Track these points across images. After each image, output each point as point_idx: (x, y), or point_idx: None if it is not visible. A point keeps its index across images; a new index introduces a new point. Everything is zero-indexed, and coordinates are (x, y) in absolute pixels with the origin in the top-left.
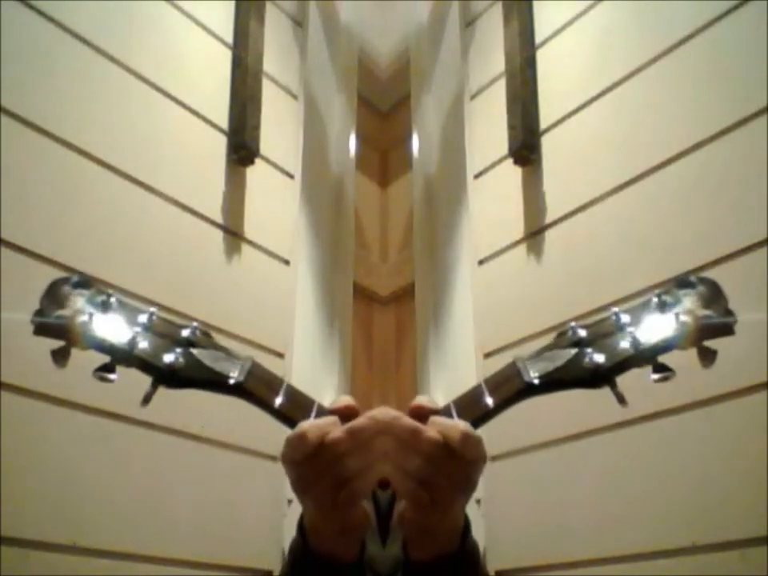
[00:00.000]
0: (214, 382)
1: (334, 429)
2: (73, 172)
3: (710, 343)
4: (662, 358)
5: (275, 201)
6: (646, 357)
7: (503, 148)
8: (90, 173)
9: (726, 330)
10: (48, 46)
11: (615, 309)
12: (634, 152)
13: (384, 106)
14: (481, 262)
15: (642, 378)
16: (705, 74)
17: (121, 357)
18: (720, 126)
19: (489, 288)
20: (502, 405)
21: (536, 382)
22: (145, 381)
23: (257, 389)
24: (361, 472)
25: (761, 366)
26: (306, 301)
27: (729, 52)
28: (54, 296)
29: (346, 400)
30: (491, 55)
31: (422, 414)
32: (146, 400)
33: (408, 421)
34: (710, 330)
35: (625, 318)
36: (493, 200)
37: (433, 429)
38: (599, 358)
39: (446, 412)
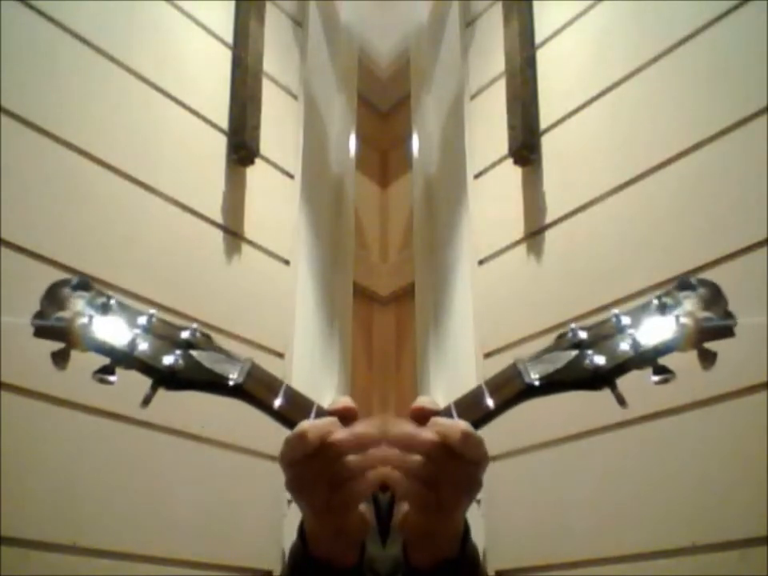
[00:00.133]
0: (214, 384)
1: (335, 429)
2: (73, 172)
3: (710, 345)
4: (663, 360)
5: (275, 201)
6: (647, 359)
7: (503, 148)
8: (90, 173)
9: (726, 332)
10: (48, 46)
11: (616, 311)
12: (633, 152)
13: (384, 106)
14: (481, 262)
15: (641, 378)
16: (705, 74)
17: (120, 359)
18: (720, 126)
19: (489, 288)
20: (503, 406)
21: (537, 383)
22: (145, 381)
23: (256, 390)
24: (359, 475)
25: (761, 366)
26: (305, 301)
27: (729, 52)
28: (53, 298)
29: (345, 401)
30: (491, 55)
31: (423, 416)
32: (146, 402)
33: (406, 424)
34: (710, 332)
35: (625, 320)
36: (493, 200)
37: (432, 429)
38: (599, 359)
39: (446, 413)
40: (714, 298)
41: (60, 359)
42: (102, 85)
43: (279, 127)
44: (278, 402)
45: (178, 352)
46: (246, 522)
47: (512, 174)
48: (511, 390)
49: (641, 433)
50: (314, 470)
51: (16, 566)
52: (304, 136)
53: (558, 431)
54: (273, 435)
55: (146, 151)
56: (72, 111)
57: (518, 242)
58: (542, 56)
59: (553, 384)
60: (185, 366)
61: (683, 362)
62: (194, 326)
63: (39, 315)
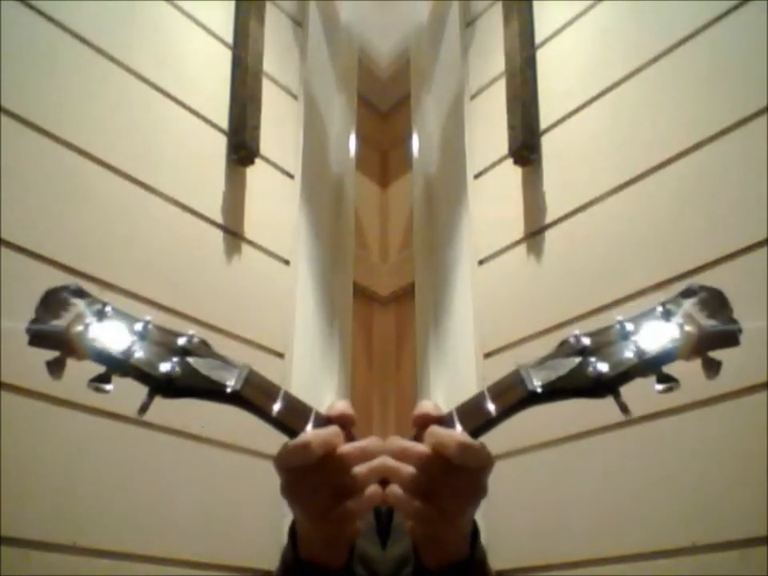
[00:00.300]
0: (211, 391)
1: (339, 441)
2: (73, 172)
3: (714, 353)
4: (666, 368)
5: (275, 201)
6: (650, 367)
7: (503, 148)
8: (90, 173)
9: (731, 340)
10: (48, 46)
11: (620, 317)
12: (633, 152)
13: (384, 106)
14: (481, 262)
15: (641, 379)
16: (705, 74)
17: (116, 367)
18: (720, 126)
19: (489, 288)
20: (505, 413)
21: (539, 390)
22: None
23: (254, 397)
24: (361, 491)
25: (761, 366)
26: (305, 301)
27: (729, 52)
28: (48, 306)
29: (343, 406)
30: (491, 55)
31: (425, 423)
32: (143, 410)
33: (399, 440)
34: (715, 341)
35: (629, 327)
36: (493, 200)
37: (428, 441)
38: (603, 367)
39: (448, 419)
40: (719, 305)
41: (55, 368)
42: (102, 85)
43: (279, 127)
44: (276, 408)
45: (174, 359)
46: (246, 522)
47: (512, 173)
48: (514, 396)
49: (641, 433)
50: (314, 479)
51: (16, 566)
52: (304, 136)
53: (558, 431)
54: (273, 435)
55: (146, 151)
56: (72, 111)
57: (518, 242)
58: (541, 56)
59: (555, 391)
60: (181, 374)
61: (683, 362)
62: (191, 332)
63: (34, 323)
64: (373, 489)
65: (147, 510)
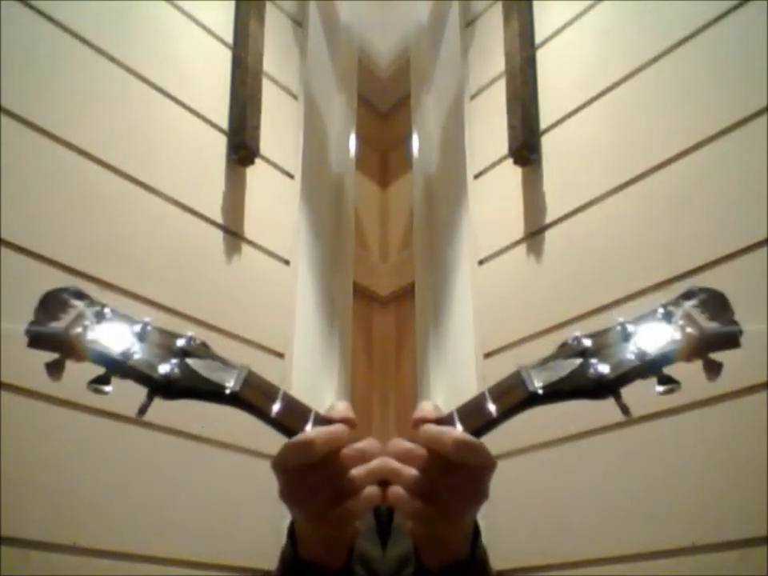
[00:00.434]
0: (210, 393)
1: (342, 440)
2: (73, 172)
3: (715, 355)
4: (667, 370)
5: (275, 201)
6: (651, 368)
7: (503, 148)
8: (90, 173)
9: (732, 342)
10: (48, 46)
11: (620, 319)
12: (633, 152)
13: (384, 106)
14: (481, 262)
15: (641, 379)
16: (705, 74)
17: (115, 368)
18: (720, 126)
19: (489, 288)
20: (506, 414)
21: (540, 391)
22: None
23: (253, 398)
24: (359, 492)
25: (761, 366)
26: (306, 301)
27: (729, 52)
28: (47, 308)
29: (344, 409)
30: (491, 55)
31: (425, 422)
32: (142, 411)
33: (401, 441)
34: (716, 342)
35: (630, 329)
36: (493, 200)
37: (423, 439)
38: (604, 368)
39: (449, 420)
40: (720, 307)
41: (54, 370)
42: (102, 85)
43: (279, 127)
44: (275, 409)
45: (173, 361)
46: (246, 522)
47: (512, 174)
48: (514, 397)
49: (641, 433)
50: (313, 479)
51: (16, 566)
52: (304, 136)
53: (558, 431)
54: (273, 435)
55: (146, 151)
56: (72, 111)
57: (518, 242)
58: (541, 56)
59: (556, 392)
60: (181, 375)
61: (683, 362)
62: (190, 333)
63: (33, 325)
64: (372, 489)
65: (147, 510)
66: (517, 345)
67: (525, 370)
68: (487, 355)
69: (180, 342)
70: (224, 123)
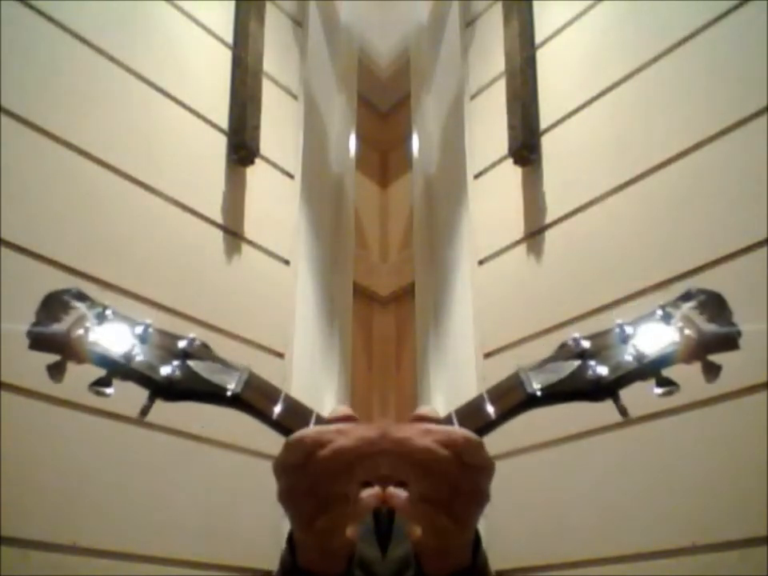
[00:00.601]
0: (212, 395)
1: (336, 437)
2: (73, 172)
3: (714, 357)
4: (666, 372)
5: (275, 201)
6: (650, 370)
7: (503, 148)
8: (90, 173)
9: (731, 344)
10: (48, 45)
11: (619, 321)
12: (633, 152)
13: (384, 106)
14: (481, 262)
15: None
16: (704, 75)
17: (117, 370)
18: (720, 126)
19: (489, 288)
20: (504, 415)
21: (539, 393)
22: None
23: (254, 400)
24: (347, 500)
25: (761, 366)
26: (306, 301)
27: (729, 52)
28: (49, 309)
29: (345, 410)
30: (491, 55)
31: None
32: (144, 413)
33: (407, 428)
34: (715, 344)
35: (629, 331)
36: (493, 200)
37: (431, 438)
38: (602, 370)
39: (447, 421)
40: (719, 309)
41: (56, 372)
42: (102, 85)
43: (279, 127)
44: (276, 411)
45: (175, 362)
46: (246, 522)
47: (512, 174)
48: (513, 399)
49: (641, 433)
50: (308, 479)
51: (16, 566)
52: (304, 136)
53: (558, 431)
54: (273, 435)
55: (146, 151)
56: (72, 111)
57: (518, 242)
58: (541, 56)
59: (555, 394)
60: (182, 377)
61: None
62: (191, 335)
63: (35, 327)
64: (368, 496)
65: (147, 510)
66: (517, 345)
67: (523, 372)
68: (487, 355)
69: (181, 344)
70: (224, 123)
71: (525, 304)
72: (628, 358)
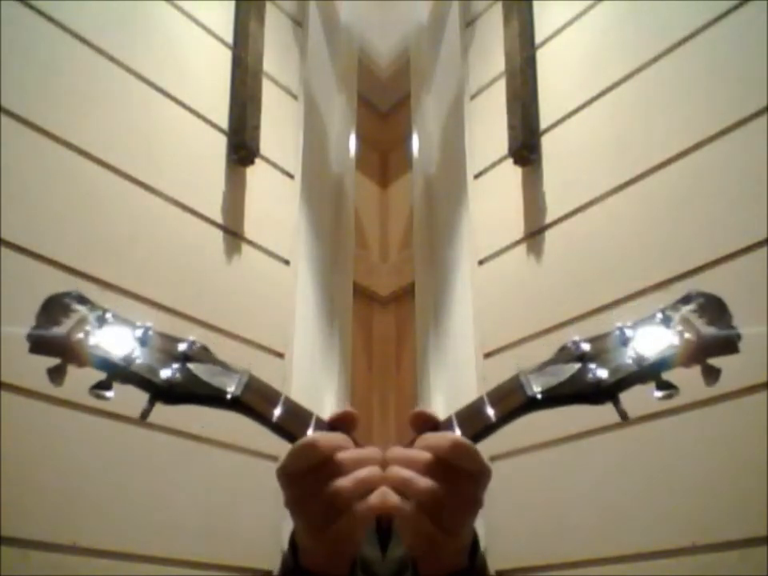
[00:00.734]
0: (212, 398)
1: (344, 444)
2: (73, 172)
3: (714, 360)
4: (666, 375)
5: (275, 201)
6: (650, 373)
7: (503, 148)
8: (90, 173)
9: (731, 347)
10: (48, 45)
11: (619, 324)
12: (633, 152)
13: (384, 106)
14: (481, 262)
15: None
16: (704, 75)
17: (117, 373)
18: (720, 126)
19: (489, 288)
20: (504, 418)
21: (539, 396)
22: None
23: (254, 402)
24: (358, 506)
25: (761, 366)
26: (306, 301)
27: (729, 52)
28: (49, 313)
29: (346, 411)
30: (491, 55)
31: (422, 422)
32: (144, 416)
33: (400, 448)
34: (714, 348)
35: (628, 334)
36: (493, 200)
37: (422, 445)
38: (602, 373)
39: (447, 424)
40: (719, 312)
41: (56, 375)
42: (102, 85)
43: (279, 127)
44: (276, 414)
45: (175, 365)
46: (246, 522)
47: (512, 174)
48: (513, 402)
49: (641, 433)
50: (315, 484)
51: (16, 566)
52: (304, 136)
53: (558, 431)
54: (273, 436)
55: (146, 151)
56: (72, 111)
57: (518, 242)
58: (541, 56)
59: (555, 397)
60: (182, 380)
61: (681, 367)
62: (191, 338)
63: (35, 331)
64: (368, 506)
65: (147, 510)
66: (517, 345)
67: (524, 375)
68: (487, 355)
69: (181, 347)
70: (224, 123)
71: (525, 304)
72: (628, 361)
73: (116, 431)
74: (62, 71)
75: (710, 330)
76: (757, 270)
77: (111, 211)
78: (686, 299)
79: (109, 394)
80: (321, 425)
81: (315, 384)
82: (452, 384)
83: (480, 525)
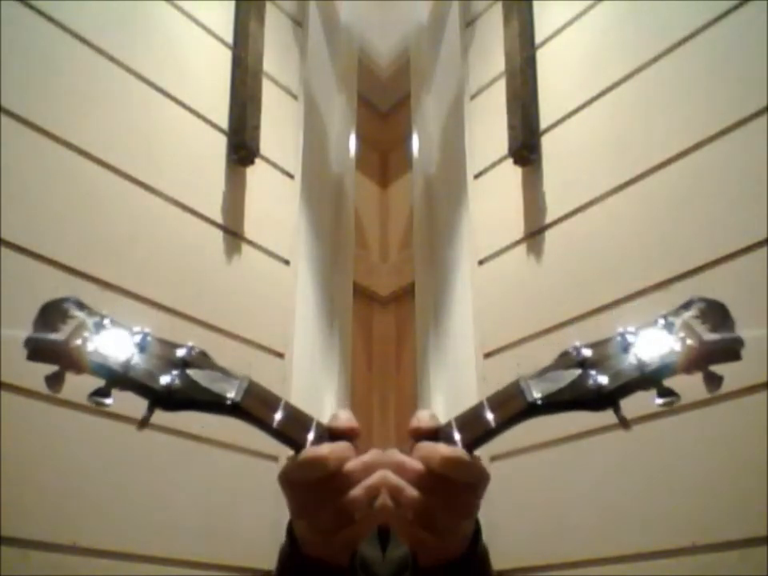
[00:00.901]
0: (211, 403)
1: (351, 456)
2: (73, 172)
3: (716, 367)
4: (667, 382)
5: (275, 201)
6: (651, 380)
7: (503, 148)
8: (90, 173)
9: (733, 354)
10: (48, 45)
11: (620, 329)
12: (633, 152)
13: (384, 106)
14: (481, 262)
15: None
16: (704, 74)
17: (116, 380)
18: (720, 126)
19: (489, 288)
20: (504, 424)
21: (539, 402)
22: None
23: (254, 408)
24: (361, 519)
25: (761, 366)
26: (306, 301)
27: (729, 52)
28: (46, 319)
29: (347, 418)
30: (491, 55)
31: (419, 435)
32: (143, 423)
33: (397, 454)
34: (716, 354)
35: (630, 339)
36: (493, 200)
37: (415, 457)
38: (603, 379)
39: (447, 429)
40: (721, 318)
41: (54, 382)
42: (102, 85)
43: (279, 127)
44: (276, 419)
45: (174, 372)
46: (246, 522)
47: (512, 174)
48: (513, 408)
49: (641, 433)
50: (322, 494)
51: (16, 566)
52: (304, 136)
53: (558, 431)
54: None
55: (146, 151)
56: (72, 111)
57: (518, 242)
58: (541, 56)
59: (555, 403)
60: (181, 386)
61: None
62: (190, 343)
63: (33, 337)
64: (372, 514)
65: (147, 510)
66: (517, 345)
67: (524, 380)
68: (487, 355)
69: (180, 353)
70: (224, 123)
71: (525, 304)
72: (629, 367)
73: (116, 431)
74: (62, 71)
75: (712, 337)
76: (757, 270)
77: (111, 211)
78: (688, 305)
79: (108, 401)
80: (321, 430)
81: (315, 384)
82: (452, 384)
83: (480, 525)
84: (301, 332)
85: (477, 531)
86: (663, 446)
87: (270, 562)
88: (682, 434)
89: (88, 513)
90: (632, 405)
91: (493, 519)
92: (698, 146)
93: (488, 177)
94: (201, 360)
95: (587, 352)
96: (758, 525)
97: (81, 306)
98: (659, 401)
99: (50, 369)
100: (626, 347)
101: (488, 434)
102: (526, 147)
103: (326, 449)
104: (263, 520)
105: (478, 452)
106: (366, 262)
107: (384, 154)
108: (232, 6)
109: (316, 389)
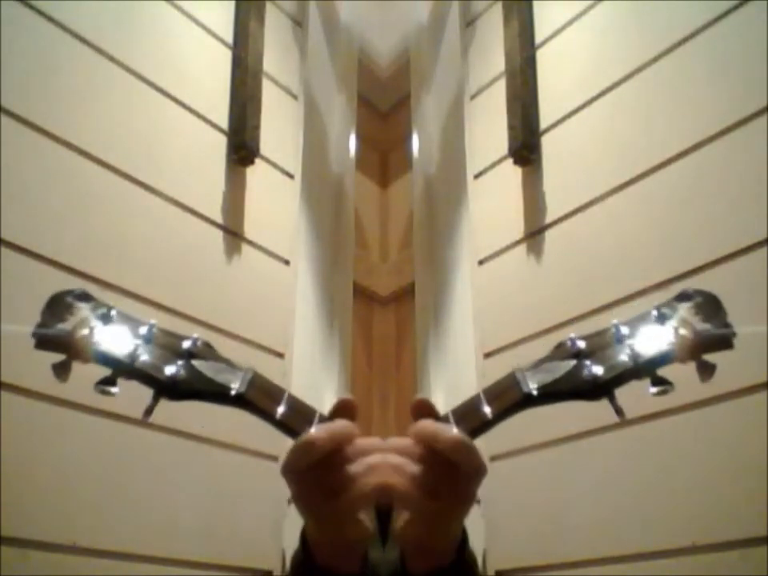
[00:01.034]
0: (216, 394)
1: (349, 434)
2: (73, 172)
3: (711, 356)
4: (661, 371)
5: (275, 201)
6: (645, 370)
7: (503, 148)
8: (90, 173)
9: (725, 343)
10: (48, 45)
11: (615, 321)
12: (633, 152)
13: (384, 106)
14: (481, 262)
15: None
16: (704, 74)
17: (122, 370)
18: (720, 126)
19: (489, 288)
20: (501, 415)
21: (535, 393)
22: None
23: (258, 399)
24: (358, 480)
25: (761, 366)
26: (306, 301)
27: (729, 52)
28: (54, 310)
29: (342, 396)
30: (491, 55)
31: (424, 410)
32: (148, 413)
33: (399, 439)
34: (709, 344)
35: (624, 330)
36: (493, 200)
37: (420, 433)
38: (598, 370)
39: (444, 421)
40: (714, 309)
41: (61, 371)
42: (102, 85)
43: (279, 127)
44: (279, 411)
45: (179, 362)
46: (246, 522)
47: (512, 174)
48: (509, 399)
49: (640, 433)
50: (320, 477)
51: (16, 566)
52: (304, 136)
53: (558, 431)
54: (273, 435)
55: (146, 151)
56: (72, 111)
57: (518, 242)
58: (541, 56)
59: (551, 394)
60: (186, 377)
61: (680, 363)
62: (195, 335)
63: (40, 327)
64: (365, 480)
65: (147, 510)
66: (517, 345)
67: (520, 372)
68: (487, 355)
69: (185, 344)
70: (224, 123)
71: (525, 304)
72: (623, 357)
73: (116, 431)
74: (62, 71)
75: (705, 327)
76: (757, 270)
77: (111, 211)
78: (681, 296)
79: (114, 389)
80: (324, 422)
81: (315, 384)
82: (452, 384)
83: (480, 525)
84: (301, 332)
85: (464, 540)
86: (663, 446)
87: (270, 562)
88: (681, 434)
89: (88, 513)
90: (632, 405)
91: (493, 519)
92: (697, 146)
93: (488, 177)
94: (206, 351)
95: (582, 343)
96: (758, 525)
97: (87, 297)
98: (653, 390)
99: (57, 360)
100: (620, 338)
101: (485, 425)
102: (526, 147)
103: (313, 431)
104: (263, 520)
105: (479, 450)
106: (365, 262)
107: (384, 153)
108: (232, 6)
109: (316, 389)
